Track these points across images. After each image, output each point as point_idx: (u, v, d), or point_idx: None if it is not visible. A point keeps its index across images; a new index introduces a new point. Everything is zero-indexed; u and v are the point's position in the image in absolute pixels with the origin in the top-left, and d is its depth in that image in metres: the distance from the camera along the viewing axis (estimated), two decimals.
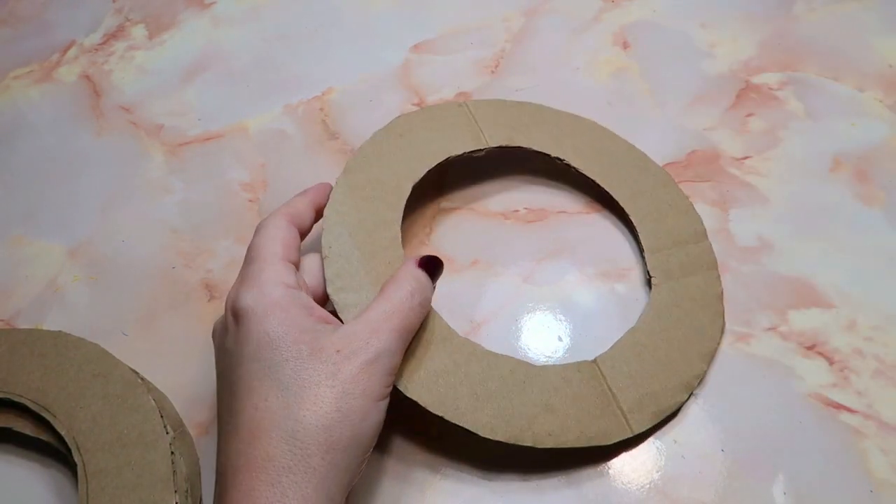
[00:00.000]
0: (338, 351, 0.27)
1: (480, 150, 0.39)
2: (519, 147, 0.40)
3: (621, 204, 0.39)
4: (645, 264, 0.37)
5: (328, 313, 0.30)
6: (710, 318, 0.35)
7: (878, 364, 0.34)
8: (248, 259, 0.31)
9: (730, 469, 0.32)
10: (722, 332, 0.35)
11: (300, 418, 0.26)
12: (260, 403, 0.26)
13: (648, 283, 0.36)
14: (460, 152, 0.38)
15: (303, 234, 0.33)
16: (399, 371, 0.30)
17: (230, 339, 0.29)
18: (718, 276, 0.37)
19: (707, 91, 0.46)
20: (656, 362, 0.33)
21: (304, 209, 0.34)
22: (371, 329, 0.28)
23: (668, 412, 0.33)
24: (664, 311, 0.35)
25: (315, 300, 0.32)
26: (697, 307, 0.35)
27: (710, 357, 0.34)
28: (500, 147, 0.39)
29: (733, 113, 0.44)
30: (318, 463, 0.25)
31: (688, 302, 0.35)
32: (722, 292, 0.36)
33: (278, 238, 0.31)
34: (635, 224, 0.38)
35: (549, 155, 0.40)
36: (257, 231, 0.32)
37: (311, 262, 0.33)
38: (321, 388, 0.26)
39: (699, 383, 0.34)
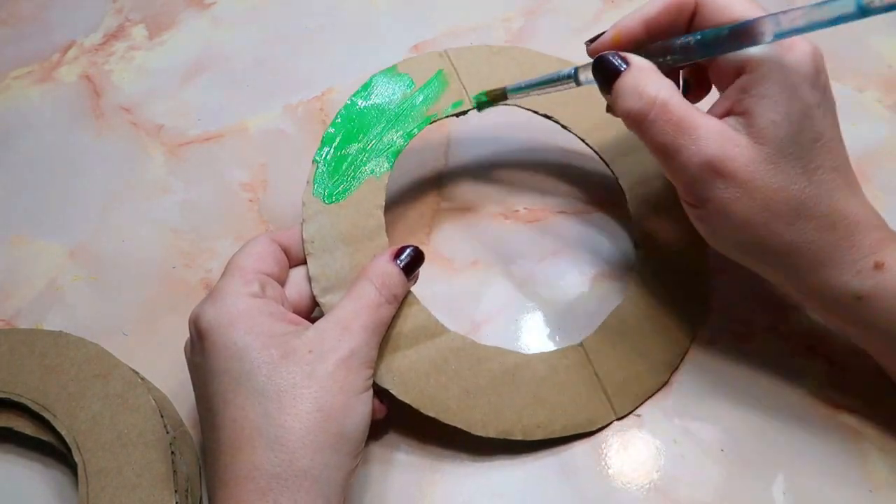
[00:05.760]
0: (310, 351, 0.27)
1: (464, 111, 0.36)
2: (505, 104, 0.37)
3: (608, 163, 0.37)
4: (632, 232, 0.36)
5: (297, 317, 0.30)
6: (693, 294, 0.35)
7: (878, 364, 0.34)
8: (220, 276, 0.31)
9: (730, 469, 0.32)
10: (706, 307, 0.35)
11: (282, 423, 0.26)
12: (238, 414, 0.26)
13: (636, 246, 0.36)
14: (443, 115, 0.36)
15: (295, 255, 0.33)
16: (389, 373, 0.30)
17: (197, 355, 0.29)
18: (704, 250, 0.36)
19: None
20: (640, 341, 0.34)
21: (296, 231, 0.33)
22: (342, 327, 0.28)
23: (651, 392, 0.33)
24: (648, 286, 0.35)
25: (301, 313, 0.31)
26: (681, 281, 0.35)
27: (693, 334, 0.35)
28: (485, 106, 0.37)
29: None
30: (308, 465, 0.25)
31: (671, 276, 0.35)
32: (706, 266, 0.36)
33: (252, 253, 0.31)
34: (624, 189, 0.37)
35: (536, 112, 0.37)
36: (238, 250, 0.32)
37: (297, 275, 0.32)
38: (298, 390, 0.26)
39: (681, 361, 0.34)
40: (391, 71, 0.37)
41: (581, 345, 0.34)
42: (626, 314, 0.34)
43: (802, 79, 0.27)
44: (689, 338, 0.35)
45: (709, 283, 0.36)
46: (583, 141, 0.38)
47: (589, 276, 0.38)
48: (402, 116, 0.35)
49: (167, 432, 0.31)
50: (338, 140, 0.34)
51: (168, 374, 0.35)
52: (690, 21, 0.29)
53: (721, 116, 0.28)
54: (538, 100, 0.37)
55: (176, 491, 0.30)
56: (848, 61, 0.46)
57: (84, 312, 0.38)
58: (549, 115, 0.37)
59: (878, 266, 0.27)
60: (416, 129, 0.35)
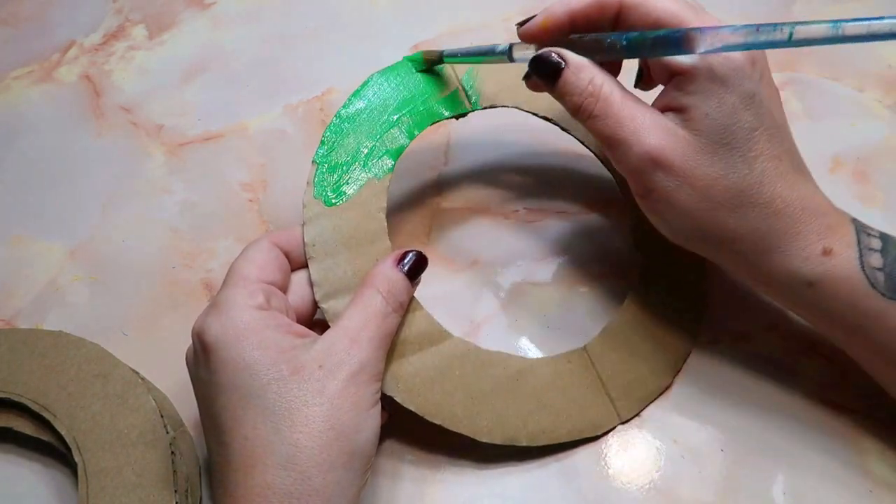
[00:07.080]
0: (320, 367, 0.27)
1: (464, 113, 0.36)
2: (505, 107, 0.37)
3: (608, 167, 0.37)
4: (632, 236, 0.37)
5: (304, 328, 0.29)
6: (694, 296, 0.35)
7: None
8: (222, 285, 0.30)
9: (730, 469, 0.32)
10: (705, 309, 0.35)
11: (294, 442, 0.25)
12: (249, 433, 0.26)
13: (635, 249, 0.36)
14: (443, 117, 0.35)
15: (296, 258, 0.32)
16: (394, 380, 0.30)
17: (202, 369, 0.28)
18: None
19: None
20: (643, 344, 0.34)
21: (297, 233, 0.32)
22: (349, 339, 0.28)
23: (655, 396, 0.33)
24: (649, 289, 0.35)
25: (302, 320, 0.31)
26: (681, 283, 0.35)
27: (695, 336, 0.35)
28: (485, 108, 0.37)
29: None
30: (321, 483, 0.25)
31: (672, 278, 0.35)
32: (705, 268, 0.36)
33: (254, 260, 0.30)
34: (623, 193, 0.36)
35: (536, 114, 0.37)
36: (238, 255, 0.31)
37: (299, 280, 0.32)
38: (310, 408, 0.26)
39: (684, 363, 0.34)
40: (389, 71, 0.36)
41: (584, 349, 0.34)
42: (628, 317, 0.35)
43: (734, 71, 0.27)
44: (691, 340, 0.35)
45: (708, 284, 0.36)
46: (582, 143, 0.38)
47: (589, 276, 0.38)
48: (402, 117, 0.35)
49: (167, 432, 0.31)
50: (338, 141, 0.34)
51: (168, 374, 0.35)
52: (616, 18, 0.30)
53: (662, 111, 0.29)
54: (538, 103, 0.37)
55: (176, 491, 0.30)
56: (848, 61, 0.46)
57: (84, 312, 0.38)
58: (549, 117, 0.37)
59: (827, 252, 0.28)
60: (416, 130, 0.35)
